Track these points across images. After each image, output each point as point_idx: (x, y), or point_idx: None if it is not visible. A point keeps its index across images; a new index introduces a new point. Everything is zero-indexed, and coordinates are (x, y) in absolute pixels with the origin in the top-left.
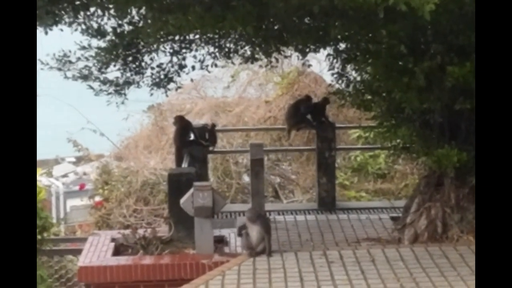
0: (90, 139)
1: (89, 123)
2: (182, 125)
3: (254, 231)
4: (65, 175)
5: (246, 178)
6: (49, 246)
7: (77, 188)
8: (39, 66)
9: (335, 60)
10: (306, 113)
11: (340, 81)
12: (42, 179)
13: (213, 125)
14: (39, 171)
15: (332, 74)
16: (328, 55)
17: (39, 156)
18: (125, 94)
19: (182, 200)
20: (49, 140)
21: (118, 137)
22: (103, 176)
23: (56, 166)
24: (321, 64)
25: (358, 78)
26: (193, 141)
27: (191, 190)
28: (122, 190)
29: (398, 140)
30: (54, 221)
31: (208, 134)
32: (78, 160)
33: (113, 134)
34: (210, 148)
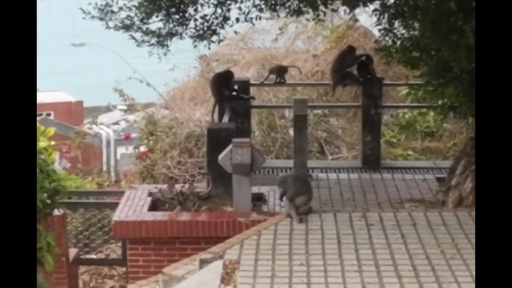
0: (138, 89)
1: (135, 73)
2: (222, 79)
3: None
4: (116, 123)
5: (292, 133)
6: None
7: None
8: (81, 15)
9: (381, 16)
10: (351, 64)
11: (387, 37)
12: (93, 127)
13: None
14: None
15: (379, 30)
16: (375, 10)
17: (91, 103)
18: (167, 46)
19: (220, 157)
20: (99, 87)
21: (165, 87)
22: (148, 127)
23: (107, 113)
24: (371, 18)
25: (406, 35)
26: (234, 96)
27: (230, 147)
28: (167, 141)
29: (445, 100)
30: (104, 168)
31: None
32: (129, 108)
33: (160, 85)
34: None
